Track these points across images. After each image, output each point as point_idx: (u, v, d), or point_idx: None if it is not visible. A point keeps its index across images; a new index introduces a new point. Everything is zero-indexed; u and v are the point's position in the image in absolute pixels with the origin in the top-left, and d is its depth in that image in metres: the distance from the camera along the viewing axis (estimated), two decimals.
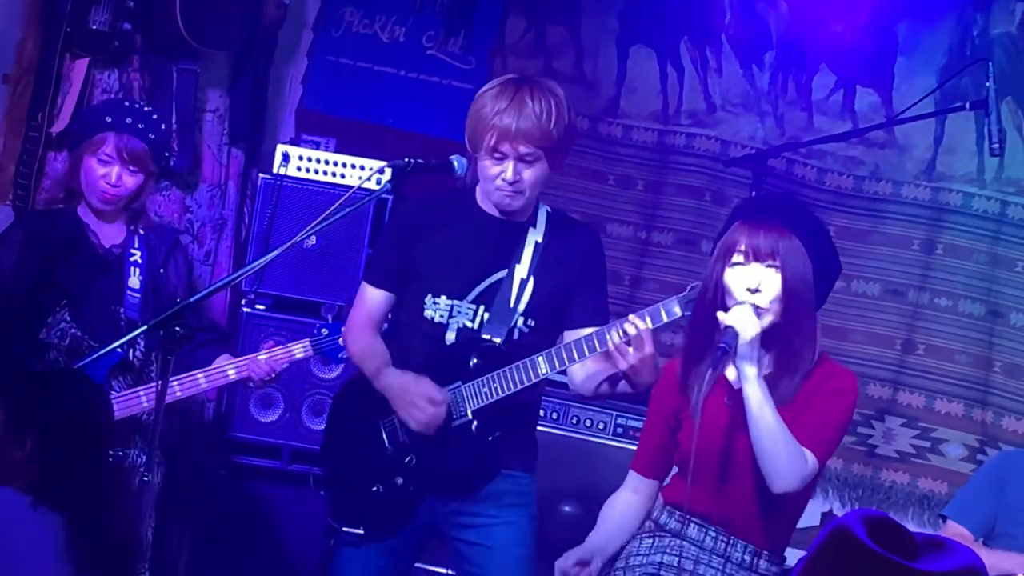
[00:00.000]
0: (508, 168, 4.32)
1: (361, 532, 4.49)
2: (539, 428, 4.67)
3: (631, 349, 4.09)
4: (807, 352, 3.98)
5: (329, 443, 4.69)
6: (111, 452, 4.57)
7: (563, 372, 4.42)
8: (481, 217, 4.49)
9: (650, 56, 6.57)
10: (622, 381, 4.26)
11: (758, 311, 3.90)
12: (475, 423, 4.40)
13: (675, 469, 4.26)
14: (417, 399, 4.38)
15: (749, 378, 3.89)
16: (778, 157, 6.16)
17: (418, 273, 4.49)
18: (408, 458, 4.47)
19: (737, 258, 3.96)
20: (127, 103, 5.44)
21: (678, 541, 4.10)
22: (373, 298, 4.57)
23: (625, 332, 4.10)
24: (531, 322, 4.45)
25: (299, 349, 5.16)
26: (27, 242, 5.11)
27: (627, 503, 4.33)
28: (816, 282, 3.99)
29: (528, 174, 4.34)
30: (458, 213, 4.51)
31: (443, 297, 4.44)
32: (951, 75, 5.75)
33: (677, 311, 4.12)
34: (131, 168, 5.08)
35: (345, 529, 4.50)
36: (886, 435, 6.17)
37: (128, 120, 5.10)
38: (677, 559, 4.07)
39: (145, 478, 3.99)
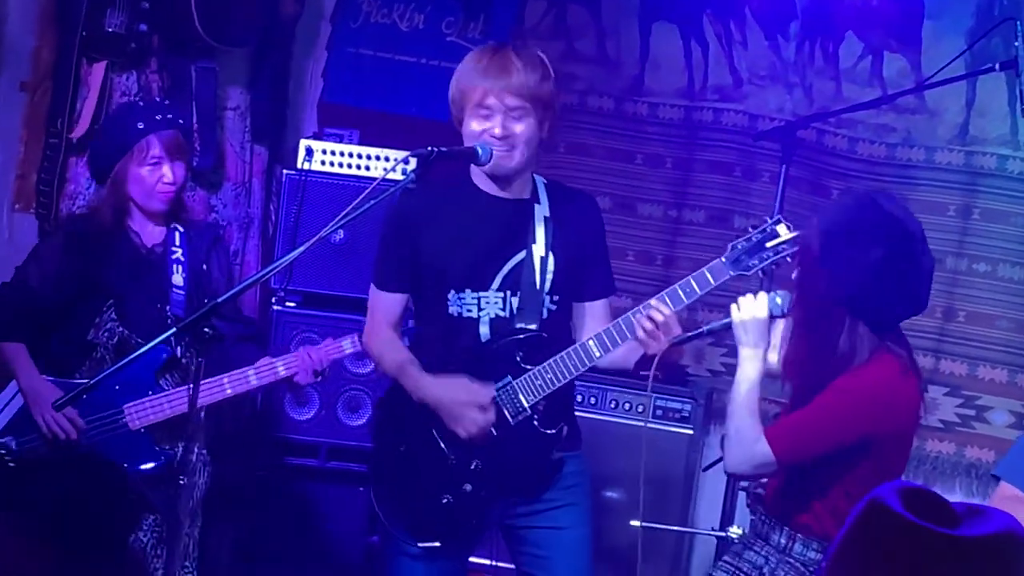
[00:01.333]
0: (497, 122, 4.28)
1: (438, 545, 4.44)
2: (577, 414, 4.64)
3: (661, 334, 4.12)
4: (827, 352, 3.96)
5: (383, 459, 4.59)
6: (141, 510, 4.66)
7: None
8: (485, 200, 4.43)
9: (673, 32, 6.51)
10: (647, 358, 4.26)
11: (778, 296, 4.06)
12: (535, 418, 4.35)
13: None
14: (464, 409, 4.32)
15: (740, 356, 4.06)
16: (808, 128, 6.10)
17: (432, 270, 4.42)
18: (474, 463, 4.41)
19: None
20: (142, 103, 5.42)
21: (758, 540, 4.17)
22: (387, 302, 4.53)
23: (651, 317, 4.13)
24: (556, 299, 4.42)
25: (348, 344, 5.12)
26: (68, 246, 5.09)
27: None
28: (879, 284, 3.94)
29: (519, 128, 4.30)
30: (461, 200, 4.44)
31: (468, 291, 4.38)
32: (980, 36, 5.65)
33: (727, 272, 4.17)
34: (177, 159, 5.07)
35: (421, 544, 4.44)
36: (930, 405, 6.02)
37: (158, 117, 5.08)
38: (742, 547, 4.17)
39: (181, 481, 3.93)
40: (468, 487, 4.41)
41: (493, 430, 4.34)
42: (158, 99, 5.56)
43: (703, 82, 6.48)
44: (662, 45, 6.53)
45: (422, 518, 4.45)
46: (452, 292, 4.38)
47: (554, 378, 4.30)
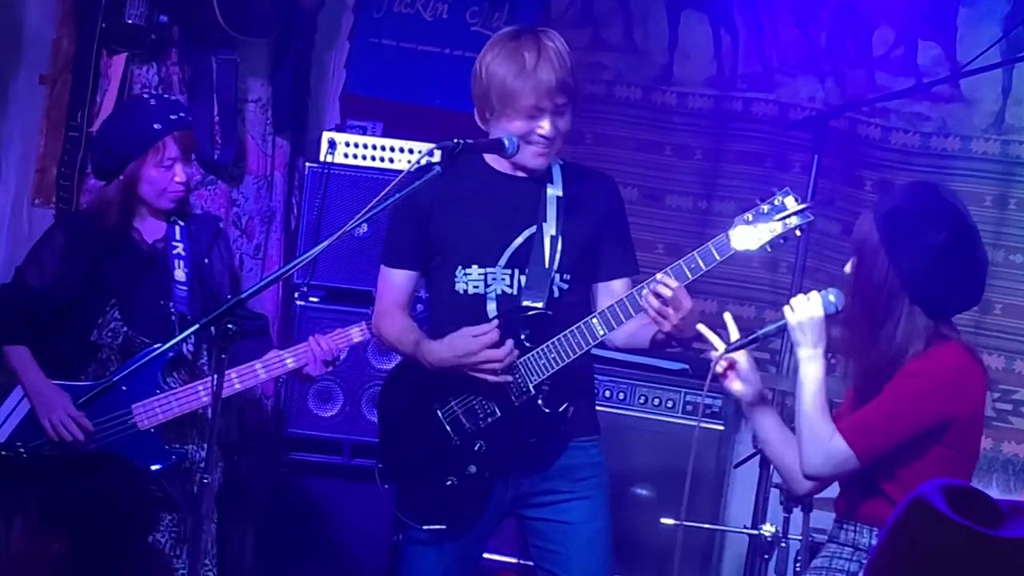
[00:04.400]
0: (547, 123, 4.28)
1: (443, 528, 4.44)
2: (606, 409, 4.67)
3: (671, 309, 4.08)
4: (879, 340, 3.93)
5: (388, 442, 4.60)
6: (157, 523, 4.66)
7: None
8: (495, 178, 4.42)
9: (702, 20, 6.47)
10: (664, 338, 4.24)
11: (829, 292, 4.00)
12: (540, 398, 4.32)
13: None
14: (479, 353, 4.27)
15: (800, 358, 3.99)
16: (840, 117, 6.07)
17: (441, 247, 4.42)
18: (477, 445, 4.40)
19: None
20: (153, 101, 5.35)
21: (831, 545, 4.13)
22: (397, 280, 4.51)
23: (659, 294, 4.08)
24: (567, 278, 4.39)
25: (356, 333, 5.11)
26: (69, 245, 5.07)
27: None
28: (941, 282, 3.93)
29: (563, 124, 4.32)
30: (472, 177, 4.41)
31: (474, 267, 4.38)
32: (1016, 23, 5.65)
33: (701, 264, 4.14)
34: (188, 160, 5.09)
35: (426, 528, 4.45)
36: None
37: (173, 116, 5.05)
38: (828, 559, 4.09)
39: (205, 479, 3.92)
40: (472, 469, 4.41)
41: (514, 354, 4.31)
42: (168, 95, 5.59)
43: (733, 71, 6.43)
44: (691, 34, 6.49)
45: (427, 501, 4.47)
46: (459, 268, 4.38)
47: (558, 357, 4.27)
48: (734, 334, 4.09)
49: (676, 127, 6.51)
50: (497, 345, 4.27)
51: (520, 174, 4.40)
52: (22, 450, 4.25)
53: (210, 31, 5.84)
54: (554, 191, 4.42)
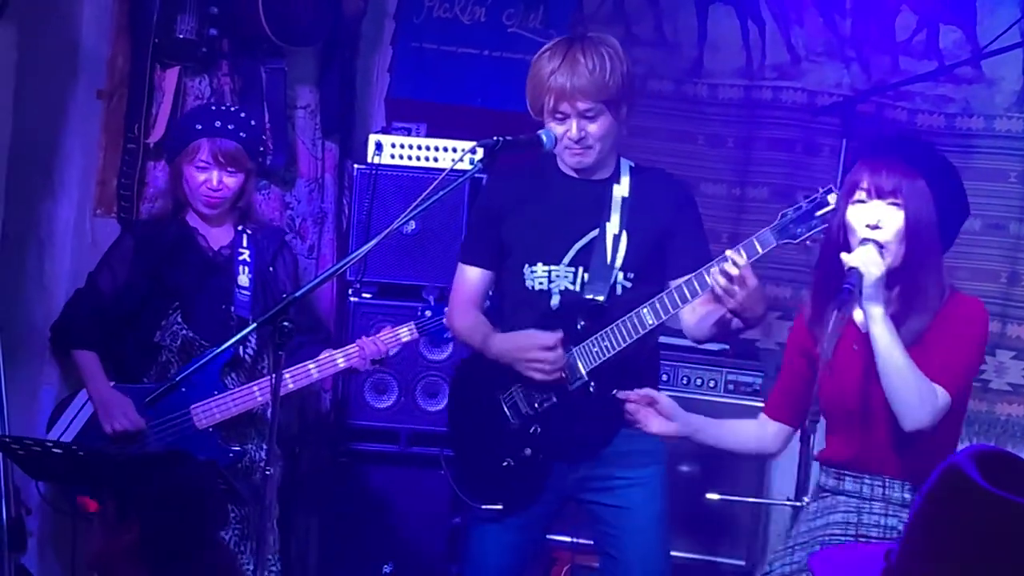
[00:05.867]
0: (572, 126, 4.38)
1: (500, 507, 4.56)
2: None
3: (736, 287, 4.07)
4: (933, 291, 3.96)
5: (454, 425, 4.76)
6: (227, 518, 4.72)
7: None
8: (564, 181, 4.54)
9: (729, 13, 6.54)
10: (735, 319, 4.25)
11: (881, 250, 3.90)
12: (592, 384, 4.44)
13: (823, 423, 4.25)
14: (532, 352, 4.42)
15: (876, 318, 3.86)
16: (867, 102, 6.13)
17: (512, 246, 4.55)
18: (533, 428, 4.53)
19: (859, 195, 3.97)
20: (213, 107, 5.50)
21: (840, 498, 4.08)
22: (471, 277, 4.64)
23: (726, 271, 4.08)
24: (631, 276, 4.48)
25: (405, 332, 5.22)
26: (138, 250, 5.20)
27: (747, 424, 4.39)
28: (943, 223, 3.97)
29: (593, 128, 4.40)
30: (542, 181, 4.55)
31: (539, 264, 4.50)
32: None
33: (772, 240, 4.14)
34: (229, 169, 5.16)
35: (484, 507, 4.57)
36: (998, 369, 6.14)
37: (217, 123, 5.18)
38: (841, 515, 4.06)
39: (268, 472, 4.03)
40: (528, 451, 4.53)
41: (562, 374, 4.43)
42: (228, 106, 5.63)
43: (761, 61, 6.50)
44: (719, 26, 6.55)
45: (484, 481, 4.60)
46: (526, 266, 4.51)
47: (610, 345, 4.37)
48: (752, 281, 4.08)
49: (708, 117, 6.58)
50: (551, 350, 4.40)
51: (587, 177, 4.52)
52: (80, 452, 4.34)
53: (258, 42, 5.90)
54: (620, 192, 4.52)
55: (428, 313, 5.25)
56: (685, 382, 5.92)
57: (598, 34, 4.54)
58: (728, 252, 4.11)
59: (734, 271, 4.06)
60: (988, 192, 6.13)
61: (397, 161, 6.08)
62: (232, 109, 5.44)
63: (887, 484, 4.02)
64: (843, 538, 4.02)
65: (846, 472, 4.07)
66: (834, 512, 4.08)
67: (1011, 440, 6.09)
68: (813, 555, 3.76)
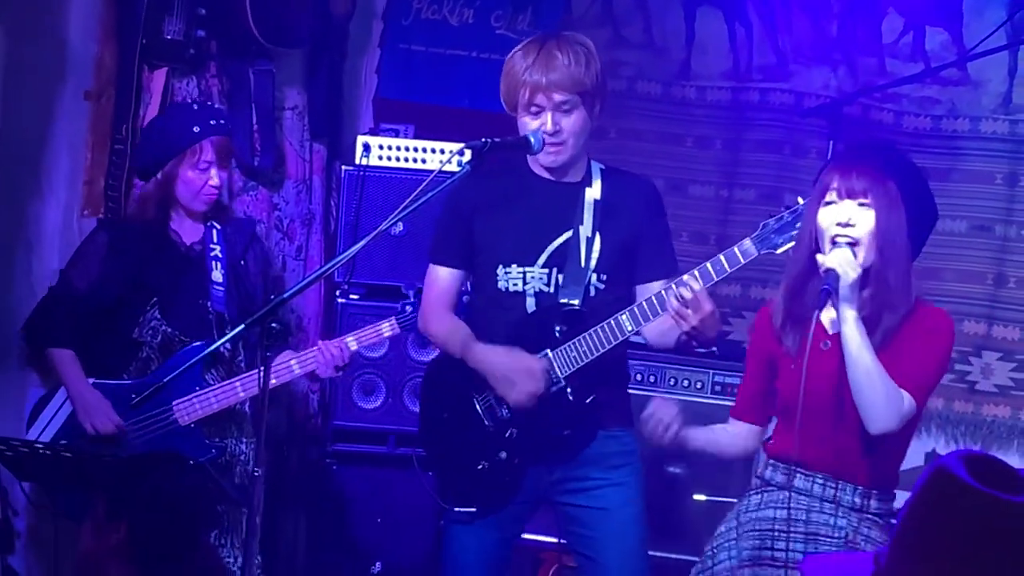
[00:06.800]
0: (547, 119, 4.38)
1: (473, 510, 4.56)
2: (638, 392, 4.69)
3: (690, 311, 4.11)
4: (903, 295, 3.98)
5: (427, 426, 4.73)
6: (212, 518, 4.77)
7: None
8: (537, 182, 4.54)
9: (717, 16, 6.56)
10: (686, 339, 4.27)
11: (854, 250, 3.92)
12: (569, 389, 4.44)
13: (775, 421, 4.28)
14: (516, 374, 4.42)
15: (848, 320, 3.89)
16: (853, 104, 6.15)
17: (484, 246, 4.54)
18: (509, 431, 4.52)
19: (830, 196, 3.99)
20: (196, 106, 5.49)
21: (786, 493, 4.08)
22: (443, 278, 4.63)
23: (680, 296, 4.11)
24: (604, 278, 4.49)
25: (386, 327, 5.21)
26: (111, 246, 5.17)
27: (723, 430, 4.41)
28: (912, 227, 3.99)
29: (567, 123, 4.41)
30: (513, 181, 4.55)
31: (514, 266, 4.50)
32: (1020, 6, 5.73)
33: (754, 250, 4.19)
34: (224, 165, 5.20)
35: (457, 509, 4.57)
36: (984, 370, 6.15)
37: (212, 122, 5.18)
38: (787, 511, 4.06)
39: (256, 472, 4.04)
40: (503, 454, 4.52)
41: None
42: (213, 103, 5.64)
43: (748, 63, 6.52)
44: (707, 28, 6.57)
45: (460, 483, 4.59)
46: (500, 267, 4.50)
47: (588, 350, 4.38)
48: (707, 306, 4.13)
49: (696, 119, 6.59)
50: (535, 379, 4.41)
51: (559, 179, 4.52)
52: (68, 454, 4.32)
53: (246, 44, 5.90)
54: (592, 194, 4.53)
55: (408, 308, 5.21)
56: (672, 383, 5.90)
57: (571, 33, 4.57)
58: (685, 276, 4.16)
59: (688, 295, 4.11)
60: (974, 194, 6.14)
61: (385, 162, 6.09)
62: (208, 103, 5.49)
63: (840, 486, 4.06)
64: (790, 534, 4.06)
65: (798, 469, 4.09)
66: (781, 507, 4.10)
67: (997, 441, 6.10)
68: (804, 560, 3.78)
